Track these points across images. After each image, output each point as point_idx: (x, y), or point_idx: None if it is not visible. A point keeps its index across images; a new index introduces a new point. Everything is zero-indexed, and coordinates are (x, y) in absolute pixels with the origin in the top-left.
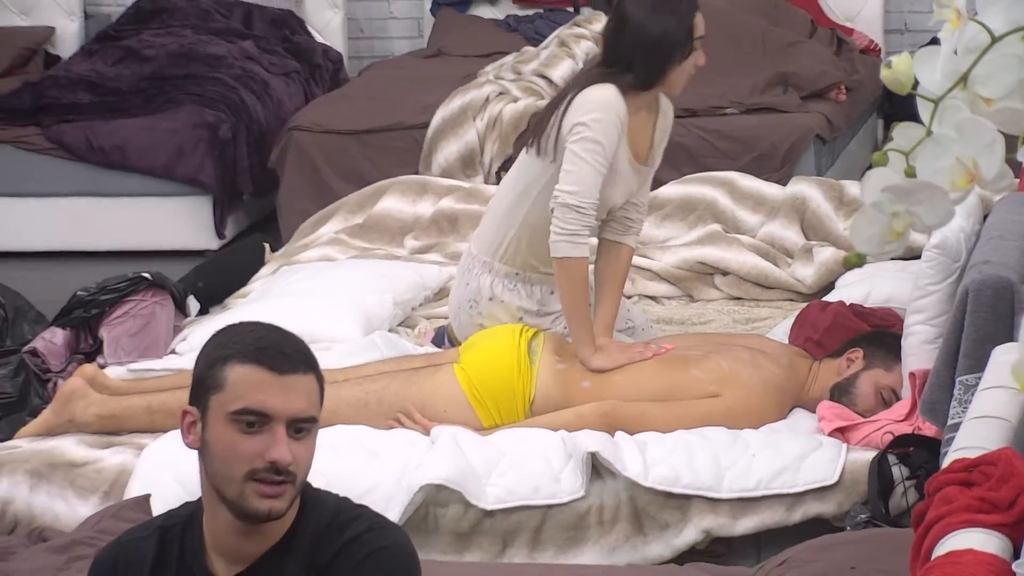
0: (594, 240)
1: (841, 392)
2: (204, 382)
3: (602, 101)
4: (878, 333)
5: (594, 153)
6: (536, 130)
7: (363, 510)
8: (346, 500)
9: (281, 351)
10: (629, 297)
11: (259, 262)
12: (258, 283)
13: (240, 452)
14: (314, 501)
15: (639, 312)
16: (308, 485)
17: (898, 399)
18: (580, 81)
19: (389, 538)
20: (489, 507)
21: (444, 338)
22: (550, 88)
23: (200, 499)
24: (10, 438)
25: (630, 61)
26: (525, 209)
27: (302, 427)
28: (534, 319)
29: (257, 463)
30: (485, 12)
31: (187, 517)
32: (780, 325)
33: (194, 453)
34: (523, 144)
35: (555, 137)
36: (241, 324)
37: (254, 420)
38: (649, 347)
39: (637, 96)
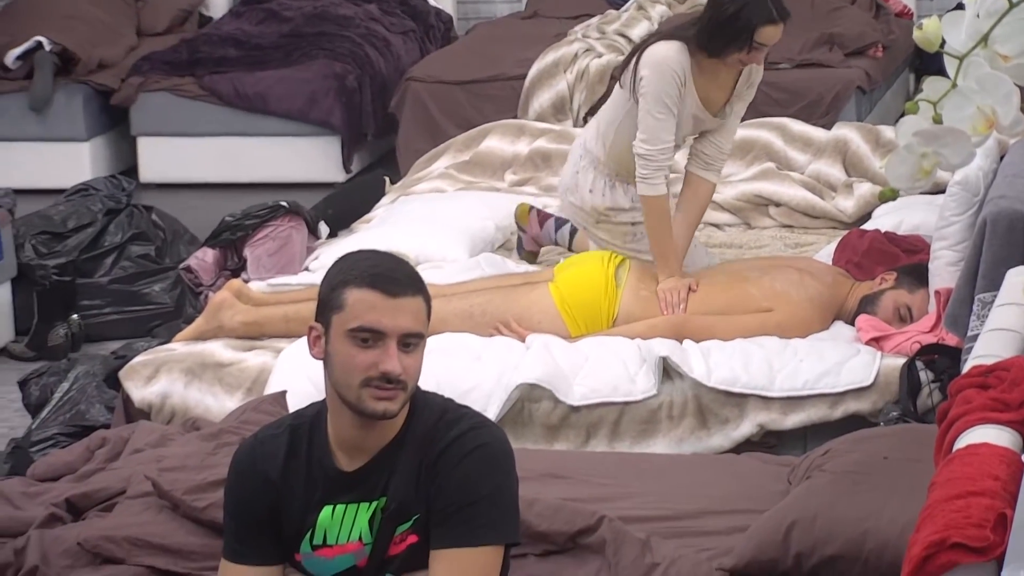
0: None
1: (867, 302)
2: (327, 303)
3: (659, 57)
4: (916, 265)
5: (656, 105)
6: (623, 65)
7: (467, 410)
8: (451, 401)
9: (392, 276)
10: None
11: (380, 193)
12: (379, 211)
13: (357, 363)
14: (423, 402)
15: (701, 244)
16: (418, 388)
17: (912, 317)
18: (660, 30)
19: (489, 435)
20: (575, 403)
21: (554, 229)
22: (629, 45)
23: (324, 400)
24: (168, 342)
25: (703, 26)
26: (614, 131)
27: (410, 342)
28: (622, 215)
29: (371, 372)
30: None
31: (314, 416)
32: (824, 249)
33: None
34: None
35: (632, 76)
36: (360, 252)
37: (368, 336)
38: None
39: (707, 56)
